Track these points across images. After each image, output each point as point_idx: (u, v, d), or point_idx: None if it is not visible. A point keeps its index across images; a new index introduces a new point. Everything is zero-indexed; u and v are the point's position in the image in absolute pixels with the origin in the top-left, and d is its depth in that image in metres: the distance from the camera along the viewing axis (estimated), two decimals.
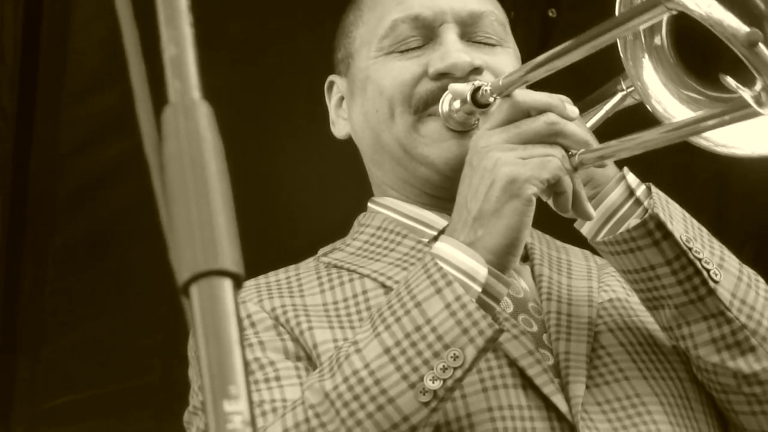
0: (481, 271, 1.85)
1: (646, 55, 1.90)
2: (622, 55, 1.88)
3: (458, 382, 1.80)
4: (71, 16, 3.51)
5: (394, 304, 1.84)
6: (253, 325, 1.98)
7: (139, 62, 1.08)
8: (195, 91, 1.05)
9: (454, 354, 1.79)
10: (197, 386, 2.03)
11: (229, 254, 1.02)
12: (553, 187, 1.90)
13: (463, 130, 2.05)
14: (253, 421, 1.00)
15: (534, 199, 1.86)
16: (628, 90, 2.02)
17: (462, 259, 1.85)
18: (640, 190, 2.00)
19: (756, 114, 1.68)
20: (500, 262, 1.86)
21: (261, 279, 2.09)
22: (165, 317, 3.63)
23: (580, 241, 2.13)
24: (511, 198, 1.85)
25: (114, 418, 3.83)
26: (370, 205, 2.22)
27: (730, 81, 1.68)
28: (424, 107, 2.08)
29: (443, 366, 1.78)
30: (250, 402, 1.01)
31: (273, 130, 3.61)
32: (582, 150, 1.90)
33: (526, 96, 1.91)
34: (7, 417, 3.76)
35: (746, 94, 1.64)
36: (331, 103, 2.25)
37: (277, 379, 1.93)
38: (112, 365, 3.76)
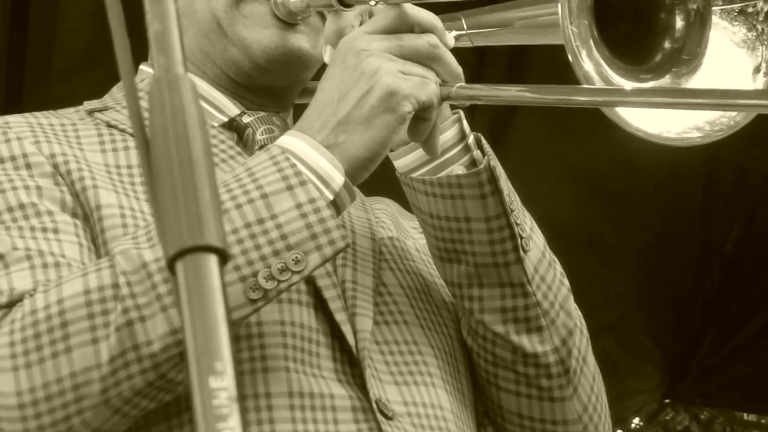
0: (338, 179, 1.72)
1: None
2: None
3: (290, 287, 1.67)
4: None
5: (233, 189, 1.68)
6: (29, 166, 1.80)
7: (123, 38, 1.07)
8: (179, 66, 1.05)
9: (296, 257, 1.64)
10: None
11: (214, 230, 1.02)
12: (421, 112, 1.79)
13: (289, 22, 1.91)
14: (238, 396, 0.99)
15: (408, 119, 1.76)
16: (468, 32, 1.91)
17: (318, 161, 1.72)
18: (471, 138, 1.89)
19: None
20: (354, 174, 1.74)
21: (30, 117, 1.90)
22: None
23: None
24: (386, 110, 1.73)
25: None
26: (143, 67, 2.03)
27: None
28: None
29: (281, 267, 1.64)
30: (236, 379, 1.00)
31: None
32: (458, 84, 1.80)
33: (416, 11, 1.80)
34: None
35: None
36: None
37: (55, 231, 1.76)
38: None
